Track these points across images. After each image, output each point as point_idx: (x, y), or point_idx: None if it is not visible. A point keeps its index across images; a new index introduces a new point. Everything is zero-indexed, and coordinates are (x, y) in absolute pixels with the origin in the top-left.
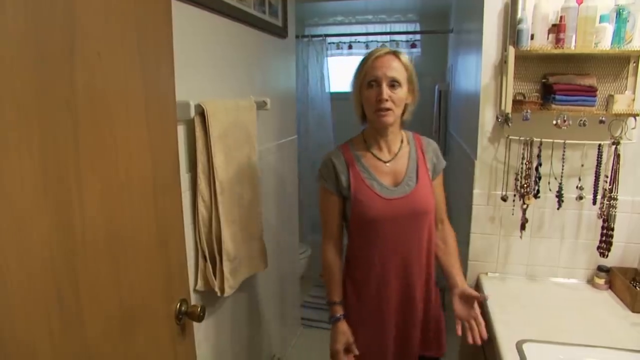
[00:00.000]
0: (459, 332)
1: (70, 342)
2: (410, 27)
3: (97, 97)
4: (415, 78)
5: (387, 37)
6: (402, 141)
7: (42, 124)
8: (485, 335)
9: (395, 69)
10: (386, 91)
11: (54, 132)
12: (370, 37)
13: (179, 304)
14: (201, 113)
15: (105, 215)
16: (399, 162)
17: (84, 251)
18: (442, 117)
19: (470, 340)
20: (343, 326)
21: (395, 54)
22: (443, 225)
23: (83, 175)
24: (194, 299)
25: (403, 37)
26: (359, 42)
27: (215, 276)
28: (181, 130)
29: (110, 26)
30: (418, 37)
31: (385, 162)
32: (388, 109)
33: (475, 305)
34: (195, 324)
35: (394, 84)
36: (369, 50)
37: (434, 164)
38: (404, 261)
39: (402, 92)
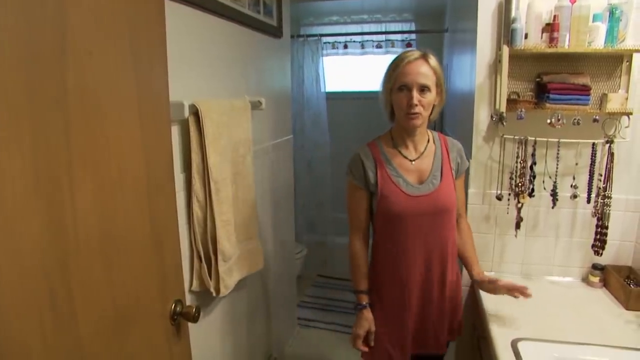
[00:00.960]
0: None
1: (63, 342)
2: (406, 27)
3: (88, 97)
4: (443, 80)
5: (382, 37)
6: (428, 140)
7: (33, 124)
8: (525, 292)
9: (425, 74)
10: (416, 96)
11: (45, 131)
12: (366, 37)
13: (173, 305)
14: (195, 113)
15: (98, 215)
16: (424, 161)
17: (76, 251)
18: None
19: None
20: (368, 314)
21: (425, 57)
22: (461, 219)
23: (75, 175)
24: (189, 300)
25: (398, 37)
26: (354, 41)
27: (210, 276)
28: (175, 131)
29: (101, 25)
30: (413, 36)
31: (411, 161)
32: (417, 113)
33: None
34: (190, 324)
35: (423, 89)
36: (401, 52)
37: (457, 164)
38: (426, 256)
39: (431, 96)
